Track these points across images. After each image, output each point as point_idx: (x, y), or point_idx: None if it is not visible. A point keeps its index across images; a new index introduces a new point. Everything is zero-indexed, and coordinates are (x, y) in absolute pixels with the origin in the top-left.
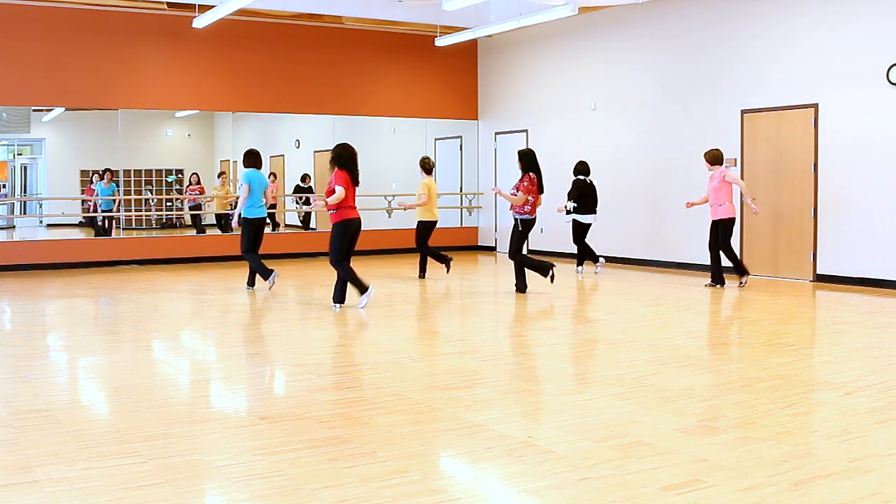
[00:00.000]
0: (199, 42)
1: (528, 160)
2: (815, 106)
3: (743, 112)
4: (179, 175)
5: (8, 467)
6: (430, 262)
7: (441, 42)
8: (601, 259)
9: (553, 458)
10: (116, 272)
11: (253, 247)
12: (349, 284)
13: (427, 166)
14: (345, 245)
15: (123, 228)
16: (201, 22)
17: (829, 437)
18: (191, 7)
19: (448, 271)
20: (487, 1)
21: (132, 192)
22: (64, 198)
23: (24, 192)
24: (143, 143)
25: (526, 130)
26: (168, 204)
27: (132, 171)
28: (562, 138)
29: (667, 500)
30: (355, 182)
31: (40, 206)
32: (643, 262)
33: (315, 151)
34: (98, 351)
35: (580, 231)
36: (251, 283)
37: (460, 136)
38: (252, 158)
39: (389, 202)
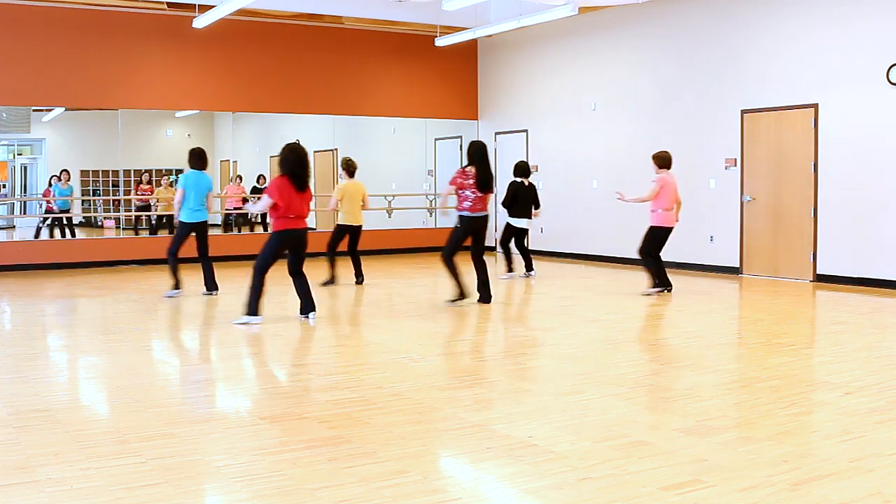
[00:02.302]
0: (199, 42)
1: (470, 154)
2: (815, 106)
3: (743, 112)
4: (180, 175)
5: (8, 467)
6: (360, 265)
7: (441, 42)
8: (533, 272)
9: (553, 458)
10: (116, 272)
11: (175, 249)
12: (258, 296)
13: (350, 168)
14: (272, 256)
15: (123, 228)
16: (201, 22)
17: (829, 437)
18: (191, 7)
19: (325, 284)
20: (487, 1)
21: (132, 192)
22: (64, 198)
23: (24, 192)
24: (143, 143)
25: (526, 130)
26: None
27: (132, 171)
28: (562, 138)
29: (667, 500)
30: (300, 188)
31: (40, 206)
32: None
33: (315, 151)
34: (98, 351)
35: (510, 234)
36: (210, 287)
37: (460, 136)
38: (194, 159)
39: (389, 202)
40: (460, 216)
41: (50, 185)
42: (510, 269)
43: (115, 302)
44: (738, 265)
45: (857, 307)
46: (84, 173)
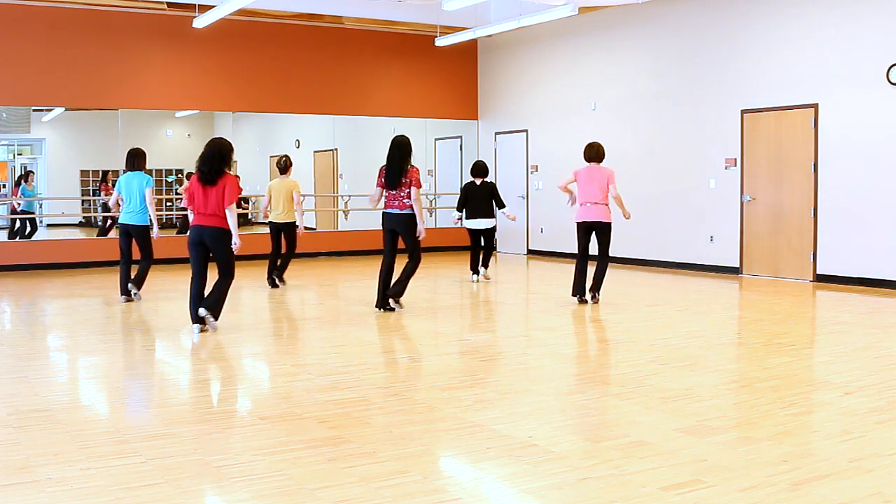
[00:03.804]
0: (199, 42)
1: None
2: (815, 106)
3: (743, 112)
4: (180, 175)
5: (8, 467)
6: (284, 266)
7: (441, 42)
8: (481, 272)
9: (553, 458)
10: (116, 272)
11: (122, 254)
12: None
13: (278, 165)
14: (193, 259)
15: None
16: (201, 22)
17: (829, 437)
18: (191, 7)
19: (271, 286)
20: (487, 1)
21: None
22: (64, 198)
23: None
24: (143, 143)
25: (526, 130)
26: (168, 204)
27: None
28: (562, 138)
29: (667, 500)
30: (204, 183)
31: (40, 206)
32: (642, 262)
33: (315, 151)
34: (98, 351)
35: (476, 238)
36: (127, 288)
37: (460, 136)
38: (126, 161)
39: None
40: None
41: (18, 185)
42: (485, 268)
43: (115, 302)
44: (738, 265)
45: (857, 307)
46: (84, 173)
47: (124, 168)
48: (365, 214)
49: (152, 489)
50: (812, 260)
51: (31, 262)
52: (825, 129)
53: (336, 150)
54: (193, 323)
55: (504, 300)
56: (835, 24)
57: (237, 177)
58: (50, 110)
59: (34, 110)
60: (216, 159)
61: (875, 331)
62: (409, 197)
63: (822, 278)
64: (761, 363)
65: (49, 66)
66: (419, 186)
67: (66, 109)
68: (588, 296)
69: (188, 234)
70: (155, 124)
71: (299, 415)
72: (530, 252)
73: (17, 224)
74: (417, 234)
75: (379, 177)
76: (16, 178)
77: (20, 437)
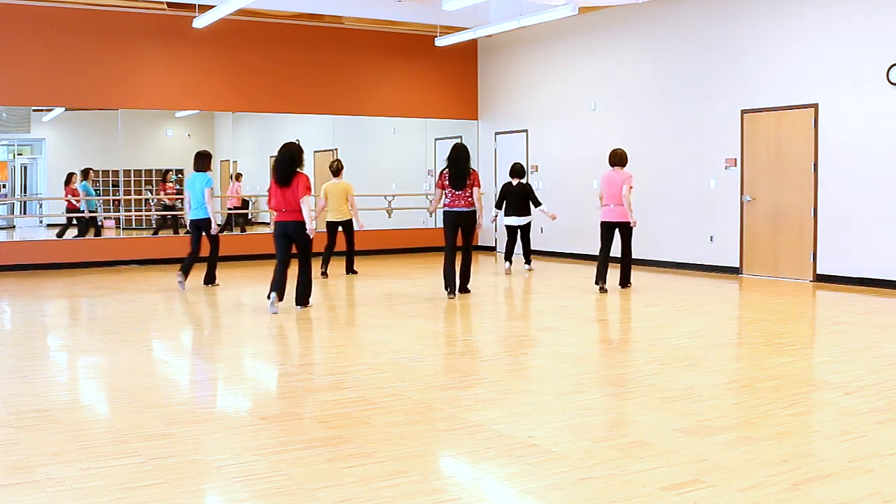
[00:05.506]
0: (199, 42)
1: (447, 157)
2: (815, 106)
3: (743, 112)
4: (180, 175)
5: (8, 467)
6: (351, 258)
7: (441, 42)
8: (525, 266)
9: (553, 458)
10: (116, 272)
11: (193, 247)
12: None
13: (331, 168)
14: (278, 248)
15: (123, 228)
16: (201, 22)
17: (829, 437)
18: (191, 7)
19: (323, 276)
20: (487, 1)
21: (132, 192)
22: (64, 198)
23: (24, 192)
24: (143, 143)
25: (526, 130)
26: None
27: (132, 171)
28: (562, 138)
29: (667, 500)
30: (280, 184)
31: (40, 206)
32: (642, 262)
33: (315, 151)
34: (98, 351)
35: (512, 234)
36: (205, 280)
37: (460, 136)
38: (194, 161)
39: (389, 202)
40: (442, 212)
41: (70, 182)
42: (528, 263)
43: (115, 302)
44: (738, 265)
45: (857, 307)
46: (84, 173)
47: (195, 169)
48: (365, 214)
49: (152, 489)
50: (812, 260)
51: (31, 262)
52: (825, 129)
53: (336, 150)
54: (269, 294)
55: (504, 300)
56: (835, 24)
57: (307, 176)
58: (50, 110)
59: (34, 110)
60: (287, 163)
61: (875, 331)
62: (472, 196)
63: (822, 278)
64: (761, 363)
65: (49, 66)
66: (480, 186)
67: (66, 109)
68: (618, 287)
69: (274, 228)
70: (155, 124)
71: (299, 415)
72: (532, 252)
73: (71, 222)
74: (477, 227)
75: (441, 179)
76: (67, 175)
77: (20, 437)
